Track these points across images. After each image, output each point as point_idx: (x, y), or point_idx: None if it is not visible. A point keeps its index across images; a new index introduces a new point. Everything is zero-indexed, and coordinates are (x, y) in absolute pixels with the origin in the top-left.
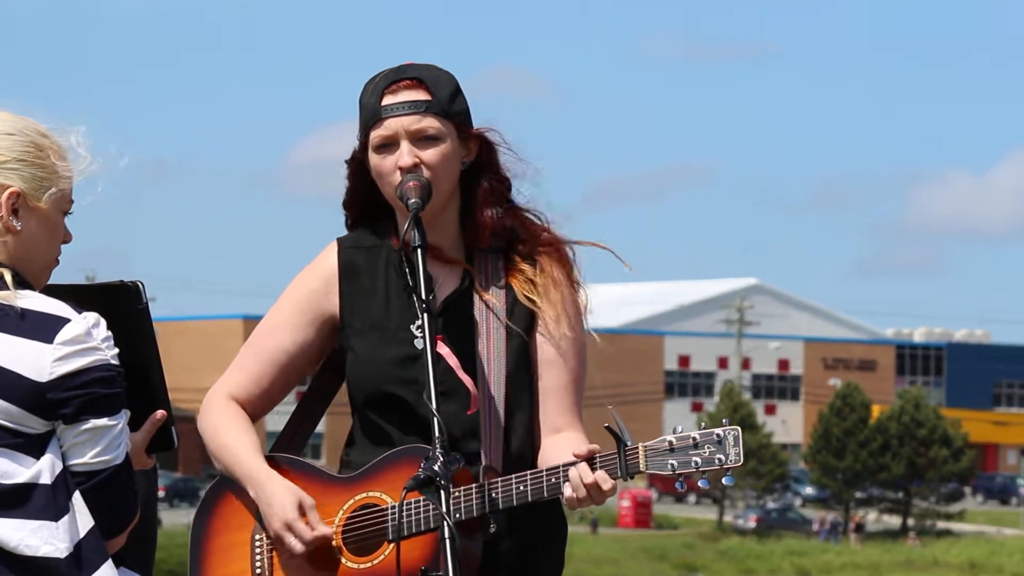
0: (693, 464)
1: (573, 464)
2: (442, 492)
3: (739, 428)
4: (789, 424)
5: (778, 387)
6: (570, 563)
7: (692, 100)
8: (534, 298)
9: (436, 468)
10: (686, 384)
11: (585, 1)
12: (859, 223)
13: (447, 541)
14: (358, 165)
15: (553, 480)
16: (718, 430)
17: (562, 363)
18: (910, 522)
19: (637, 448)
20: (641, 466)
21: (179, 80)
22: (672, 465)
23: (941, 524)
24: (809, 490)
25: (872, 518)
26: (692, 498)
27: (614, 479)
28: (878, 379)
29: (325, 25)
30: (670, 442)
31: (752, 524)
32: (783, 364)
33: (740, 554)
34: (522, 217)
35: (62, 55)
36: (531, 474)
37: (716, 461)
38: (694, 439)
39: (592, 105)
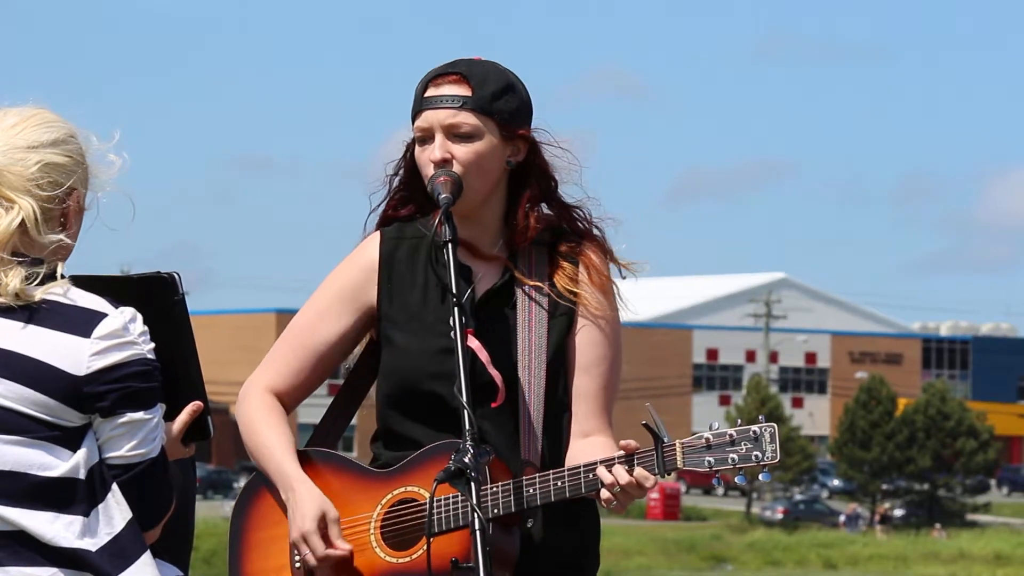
0: (730, 461)
1: (610, 461)
2: (472, 484)
3: (775, 425)
4: (816, 417)
5: (805, 380)
6: (599, 555)
7: (779, 98)
8: (574, 299)
9: (466, 460)
10: (714, 377)
11: (680, 4)
12: (891, 218)
13: (477, 532)
14: (409, 152)
15: (591, 476)
16: (755, 427)
17: (597, 368)
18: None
19: (674, 445)
20: (678, 463)
21: (266, 77)
22: (709, 462)
23: (967, 516)
24: (836, 482)
25: (898, 511)
26: (720, 490)
27: (652, 476)
28: (904, 372)
29: (423, 21)
30: (707, 439)
31: (779, 516)
32: (810, 357)
33: (767, 546)
34: (567, 215)
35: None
36: (568, 470)
37: (753, 458)
38: (731, 436)
39: (686, 103)
